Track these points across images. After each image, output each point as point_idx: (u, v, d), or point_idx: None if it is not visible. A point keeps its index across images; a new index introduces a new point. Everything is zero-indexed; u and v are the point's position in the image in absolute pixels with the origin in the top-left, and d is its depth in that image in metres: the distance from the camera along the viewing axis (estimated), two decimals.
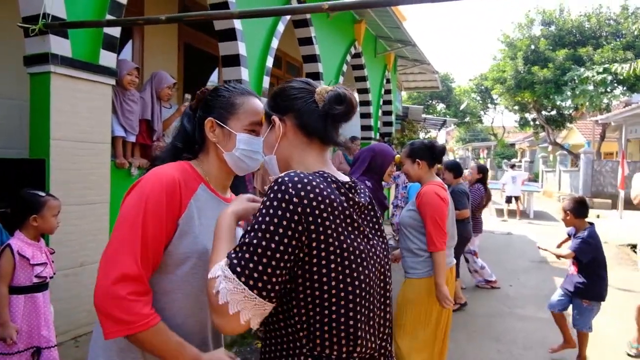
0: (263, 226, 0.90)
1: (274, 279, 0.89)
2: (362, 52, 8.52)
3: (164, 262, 1.10)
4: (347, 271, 0.95)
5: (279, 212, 0.90)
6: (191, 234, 1.11)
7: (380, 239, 1.10)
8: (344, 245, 0.94)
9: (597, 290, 3.29)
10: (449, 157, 28.69)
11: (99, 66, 3.21)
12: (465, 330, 4.07)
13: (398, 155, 2.82)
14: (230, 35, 4.72)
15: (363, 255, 0.99)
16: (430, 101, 34.84)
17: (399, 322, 2.56)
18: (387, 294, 1.10)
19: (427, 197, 2.53)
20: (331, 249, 0.93)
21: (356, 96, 1.09)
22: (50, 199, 2.16)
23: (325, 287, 0.93)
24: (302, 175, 0.94)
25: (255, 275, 0.88)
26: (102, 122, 3.29)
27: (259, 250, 0.89)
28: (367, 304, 1.00)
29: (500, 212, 12.67)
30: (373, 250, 1.04)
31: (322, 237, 0.92)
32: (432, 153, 2.64)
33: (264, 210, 0.92)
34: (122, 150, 3.60)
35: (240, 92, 1.23)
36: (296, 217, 0.90)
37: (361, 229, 1.01)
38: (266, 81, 5.33)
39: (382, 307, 1.08)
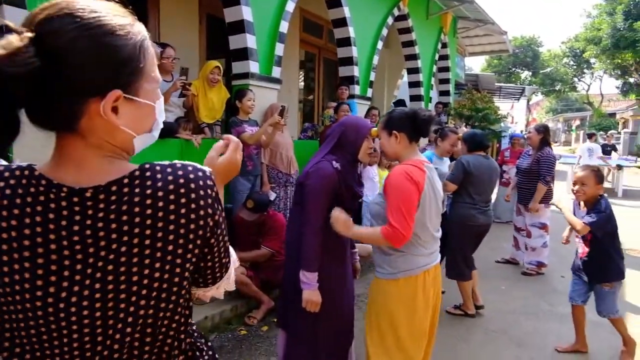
0: None
1: None
2: (408, 13, 7.72)
3: None
4: None
5: None
6: None
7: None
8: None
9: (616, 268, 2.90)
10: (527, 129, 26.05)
11: None
12: (483, 330, 3.46)
13: (375, 129, 2.31)
14: None
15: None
16: (512, 68, 31.73)
17: (368, 326, 2.17)
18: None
19: (393, 179, 2.01)
20: None
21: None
22: None
23: None
24: None
25: None
26: None
27: None
28: None
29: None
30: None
31: None
32: (413, 123, 2.11)
33: None
34: None
35: None
36: None
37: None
38: (279, 48, 4.91)
39: None
